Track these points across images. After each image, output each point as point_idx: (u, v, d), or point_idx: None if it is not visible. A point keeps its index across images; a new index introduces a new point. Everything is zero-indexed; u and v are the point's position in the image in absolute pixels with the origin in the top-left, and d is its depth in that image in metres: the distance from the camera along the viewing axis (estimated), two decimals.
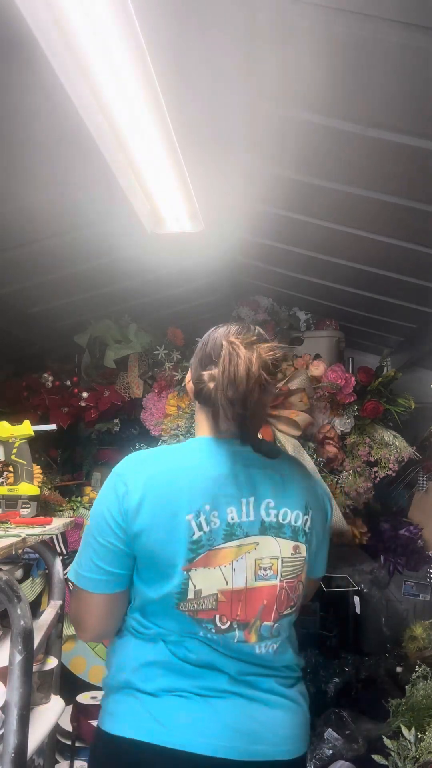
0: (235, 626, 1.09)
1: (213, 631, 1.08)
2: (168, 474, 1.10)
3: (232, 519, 1.10)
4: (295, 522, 1.15)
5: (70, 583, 2.27)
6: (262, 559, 1.11)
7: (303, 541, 1.16)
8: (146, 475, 1.09)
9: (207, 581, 1.08)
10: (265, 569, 1.12)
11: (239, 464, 1.13)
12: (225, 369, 1.07)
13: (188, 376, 1.28)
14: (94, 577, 1.10)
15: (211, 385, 1.12)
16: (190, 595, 1.07)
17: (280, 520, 1.14)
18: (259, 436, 1.18)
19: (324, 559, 1.29)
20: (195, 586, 1.07)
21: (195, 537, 1.07)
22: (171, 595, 1.07)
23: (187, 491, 1.08)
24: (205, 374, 1.14)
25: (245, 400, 1.05)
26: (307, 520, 1.16)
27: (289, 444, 2.29)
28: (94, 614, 1.13)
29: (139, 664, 1.10)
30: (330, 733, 2.14)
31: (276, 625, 1.13)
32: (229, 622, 1.09)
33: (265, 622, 1.11)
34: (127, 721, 1.08)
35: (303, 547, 1.16)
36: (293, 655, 1.19)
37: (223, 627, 1.09)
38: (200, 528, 1.07)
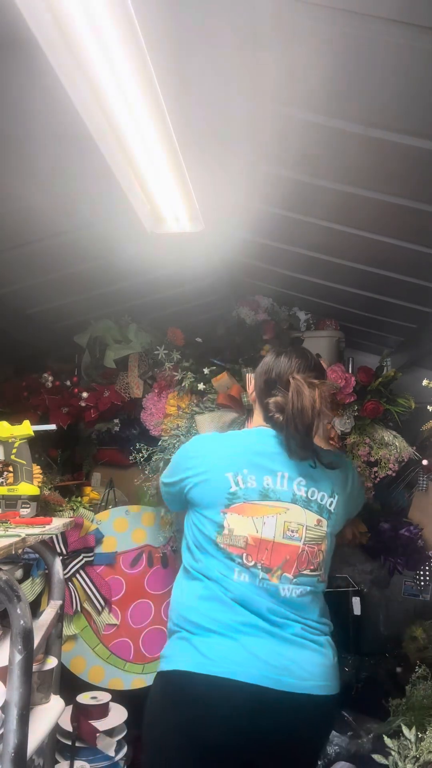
0: (259, 567, 1.39)
1: (242, 565, 1.37)
2: (219, 444, 1.52)
3: (267, 485, 1.43)
4: (321, 501, 1.46)
5: (70, 584, 2.28)
6: (291, 523, 1.41)
7: (326, 517, 1.47)
8: (208, 446, 1.54)
9: (239, 525, 1.40)
10: (292, 531, 1.41)
11: (280, 449, 1.46)
12: (294, 405, 1.38)
13: (250, 387, 1.64)
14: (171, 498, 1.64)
15: (279, 416, 1.43)
16: (226, 531, 1.40)
17: (309, 497, 1.44)
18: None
19: (357, 504, 1.72)
20: (229, 525, 1.41)
21: (232, 490, 1.42)
22: (213, 530, 1.41)
23: (230, 457, 1.46)
24: (271, 402, 1.45)
25: (309, 429, 1.38)
26: (332, 501, 1.47)
27: None
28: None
29: (190, 598, 1.40)
30: (331, 733, 2.13)
31: (296, 579, 1.41)
32: (254, 562, 1.39)
33: (286, 573, 1.40)
34: (179, 657, 1.35)
35: (325, 522, 1.46)
36: (322, 615, 1.47)
37: (248, 564, 1.38)
38: (236, 484, 1.42)
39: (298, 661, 1.34)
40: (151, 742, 1.39)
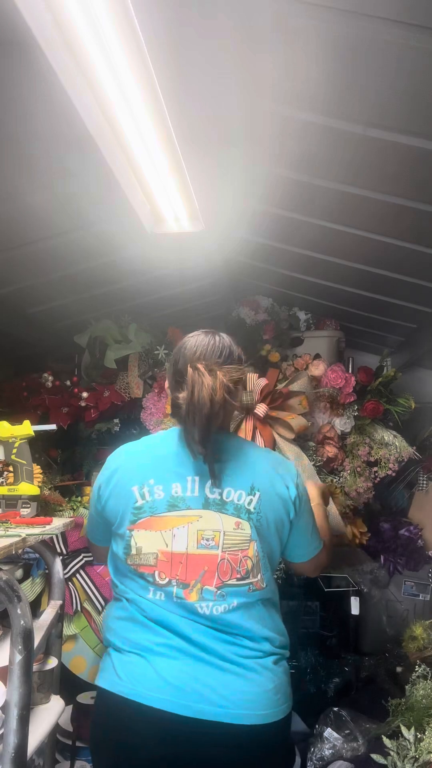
0: (174, 584, 1.25)
1: (155, 584, 1.26)
2: (129, 456, 1.37)
3: (176, 493, 1.28)
4: (238, 501, 1.28)
5: (70, 584, 2.28)
6: (205, 531, 1.27)
7: (245, 518, 1.28)
8: (118, 459, 1.38)
9: (147, 541, 1.27)
10: (207, 540, 1.27)
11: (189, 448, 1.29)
12: (191, 396, 1.23)
13: (166, 383, 1.48)
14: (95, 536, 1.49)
15: (183, 408, 1.27)
16: (133, 551, 1.28)
17: (224, 498, 1.28)
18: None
19: (301, 544, 1.40)
20: (137, 543, 1.28)
21: (137, 504, 1.29)
22: (121, 550, 1.30)
23: (136, 468, 1.32)
24: (180, 396, 1.28)
25: (209, 422, 1.22)
26: (251, 500, 1.29)
27: (291, 451, 2.29)
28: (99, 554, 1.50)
29: (112, 619, 1.32)
30: (330, 733, 2.14)
31: (219, 591, 1.25)
32: (167, 579, 1.26)
33: (206, 586, 1.25)
34: (101, 674, 1.29)
35: (246, 524, 1.28)
36: (260, 628, 1.28)
37: (161, 582, 1.26)
38: (142, 497, 1.29)
39: (214, 687, 1.19)
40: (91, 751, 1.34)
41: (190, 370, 1.26)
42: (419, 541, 2.76)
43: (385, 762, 1.87)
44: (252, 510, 1.28)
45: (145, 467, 1.32)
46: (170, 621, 1.24)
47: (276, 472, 1.34)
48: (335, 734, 2.13)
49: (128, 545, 1.28)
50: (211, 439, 1.24)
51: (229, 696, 1.20)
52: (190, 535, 1.26)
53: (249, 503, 1.28)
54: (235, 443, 1.37)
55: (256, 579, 1.28)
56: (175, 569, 1.26)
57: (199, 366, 1.26)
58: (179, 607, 1.25)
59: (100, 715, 1.27)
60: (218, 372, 1.25)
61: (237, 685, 1.21)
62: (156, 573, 1.26)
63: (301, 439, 2.40)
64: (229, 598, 1.25)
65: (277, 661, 1.29)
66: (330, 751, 2.10)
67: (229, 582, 1.26)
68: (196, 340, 1.33)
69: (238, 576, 1.26)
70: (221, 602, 1.25)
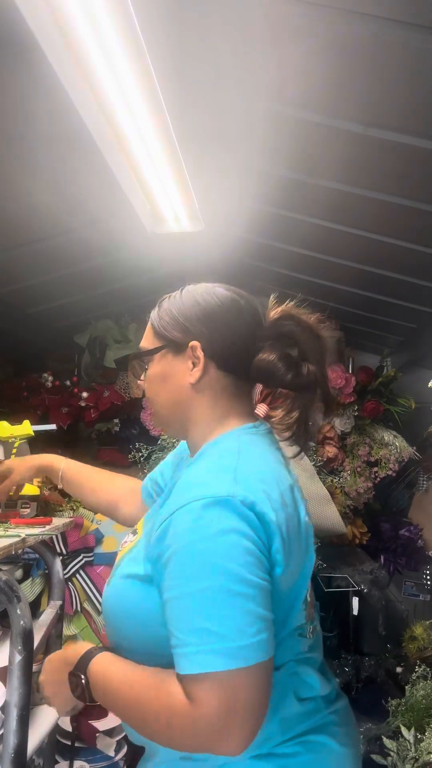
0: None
1: (308, 635, 0.95)
2: (274, 482, 0.87)
3: (306, 522, 0.93)
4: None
5: (70, 584, 2.28)
6: None
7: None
8: (260, 489, 0.83)
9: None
10: None
11: (283, 458, 0.98)
12: (321, 352, 0.92)
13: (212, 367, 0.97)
14: (266, 636, 0.77)
15: (305, 371, 0.92)
16: (305, 620, 0.93)
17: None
18: None
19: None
20: (305, 607, 0.93)
21: (312, 537, 0.94)
22: (299, 611, 0.90)
23: (294, 492, 0.91)
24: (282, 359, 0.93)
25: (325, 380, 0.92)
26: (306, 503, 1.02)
27: (291, 451, 2.28)
28: (268, 693, 0.78)
29: (285, 716, 0.87)
30: None
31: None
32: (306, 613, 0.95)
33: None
34: None
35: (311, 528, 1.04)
36: None
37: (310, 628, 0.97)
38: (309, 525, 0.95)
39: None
40: None
41: (300, 319, 0.92)
42: (419, 541, 2.76)
43: (385, 762, 1.87)
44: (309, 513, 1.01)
45: (298, 499, 0.92)
46: (323, 667, 0.98)
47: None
48: None
49: (305, 597, 0.93)
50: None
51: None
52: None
53: (306, 506, 1.00)
54: None
55: None
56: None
57: (301, 315, 0.93)
58: (315, 643, 0.98)
59: None
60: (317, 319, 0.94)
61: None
62: (306, 613, 0.94)
63: None
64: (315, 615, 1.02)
65: None
66: None
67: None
68: (248, 300, 1.00)
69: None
70: (312, 621, 1.00)
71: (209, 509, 0.79)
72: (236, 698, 0.74)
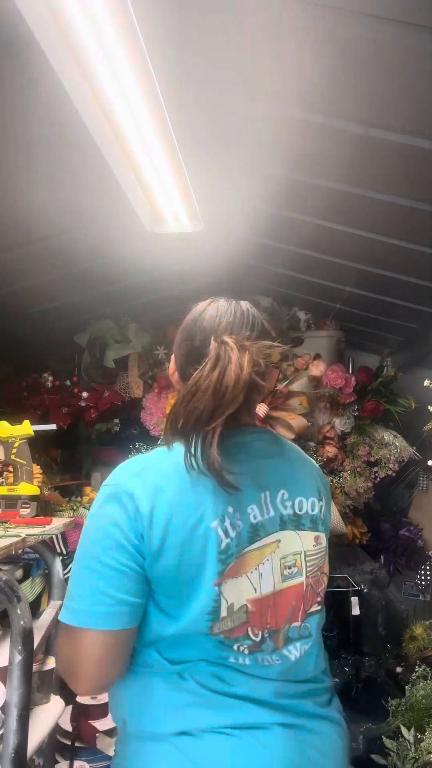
0: (266, 636, 0.96)
1: (246, 650, 0.94)
2: (177, 481, 0.93)
3: (255, 518, 0.95)
4: (312, 510, 1.03)
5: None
6: (286, 557, 0.99)
7: (323, 530, 1.05)
8: (152, 484, 0.92)
9: (236, 593, 0.93)
10: (290, 567, 0.99)
11: (247, 456, 0.99)
12: (216, 375, 0.91)
13: (171, 367, 1.12)
14: (104, 609, 0.89)
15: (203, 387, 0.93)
16: (224, 613, 0.91)
17: (297, 511, 1.01)
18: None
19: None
20: (227, 602, 0.92)
21: (223, 545, 0.92)
22: (201, 619, 0.91)
23: (207, 495, 0.92)
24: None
25: (229, 407, 0.90)
26: (322, 506, 1.05)
27: None
28: (98, 658, 0.90)
29: (171, 706, 0.92)
30: None
31: (303, 624, 1.00)
32: (260, 633, 0.95)
33: (293, 624, 0.99)
34: None
35: (323, 537, 1.05)
36: (324, 659, 1.06)
37: (257, 640, 0.95)
38: (227, 534, 0.92)
39: (328, 754, 0.98)
40: None
41: (214, 343, 0.95)
42: (419, 541, 2.76)
43: (385, 762, 1.87)
44: (324, 518, 1.05)
45: (215, 492, 0.93)
46: (257, 689, 0.95)
47: (320, 470, 1.13)
48: None
49: (215, 608, 0.91)
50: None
51: (339, 760, 0.97)
52: (275, 568, 0.97)
53: (321, 510, 1.04)
54: (284, 441, 1.10)
55: (323, 596, 1.06)
56: (265, 617, 0.96)
57: (227, 340, 0.95)
58: (269, 667, 0.96)
59: None
60: (250, 346, 0.94)
61: (337, 745, 0.98)
62: (249, 630, 0.94)
63: (302, 439, 2.40)
64: (312, 633, 1.02)
65: (336, 698, 1.06)
66: None
67: (312, 610, 1.02)
68: (217, 309, 1.03)
69: (318, 599, 1.04)
70: (307, 641, 1.00)
71: (99, 495, 0.97)
72: (73, 650, 0.92)
